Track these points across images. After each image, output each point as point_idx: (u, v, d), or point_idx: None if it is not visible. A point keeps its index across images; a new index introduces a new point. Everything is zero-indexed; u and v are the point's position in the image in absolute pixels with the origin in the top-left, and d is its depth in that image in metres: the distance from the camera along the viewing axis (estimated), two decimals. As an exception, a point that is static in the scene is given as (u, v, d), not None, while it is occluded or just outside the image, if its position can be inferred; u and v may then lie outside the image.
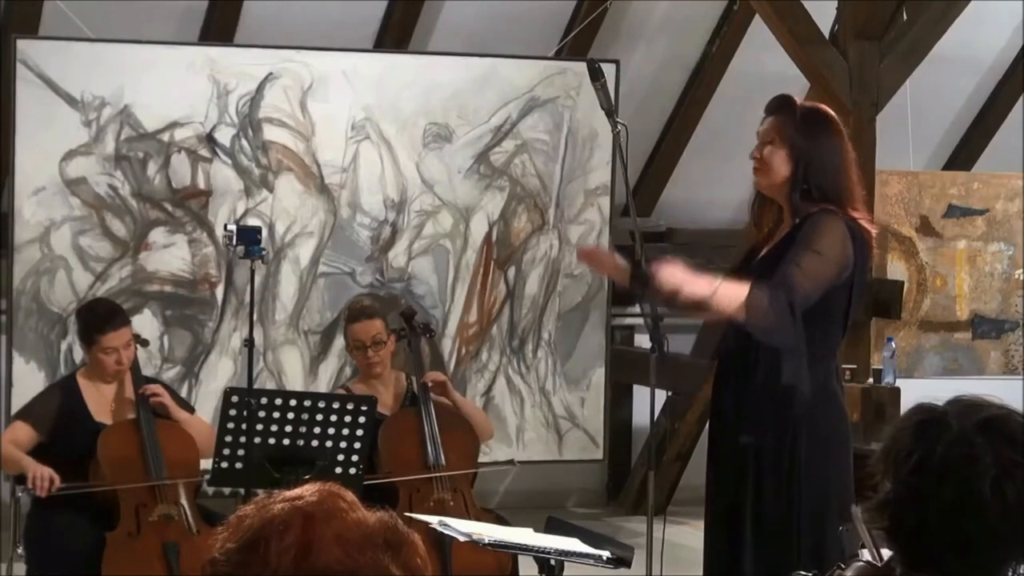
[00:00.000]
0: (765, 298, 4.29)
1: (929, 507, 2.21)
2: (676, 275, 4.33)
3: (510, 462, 7.41)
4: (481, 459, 6.48)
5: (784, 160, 4.46)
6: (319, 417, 5.59)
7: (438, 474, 5.98)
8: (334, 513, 1.76)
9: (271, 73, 7.57)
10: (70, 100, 7.30)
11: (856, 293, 4.48)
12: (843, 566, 2.43)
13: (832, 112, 4.63)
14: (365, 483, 5.71)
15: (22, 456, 5.65)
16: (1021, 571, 2.28)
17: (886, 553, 2.43)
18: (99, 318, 5.86)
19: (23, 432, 5.76)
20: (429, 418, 6.05)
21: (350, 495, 1.79)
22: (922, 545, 2.24)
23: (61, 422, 5.79)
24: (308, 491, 1.79)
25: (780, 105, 4.55)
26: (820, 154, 4.44)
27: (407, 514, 5.39)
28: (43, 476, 5.55)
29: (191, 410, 6.15)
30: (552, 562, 4.34)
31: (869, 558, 2.47)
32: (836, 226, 4.39)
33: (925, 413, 2.27)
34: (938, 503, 2.20)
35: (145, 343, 6.26)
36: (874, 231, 4.56)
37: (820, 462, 4.40)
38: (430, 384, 6.14)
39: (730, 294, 4.32)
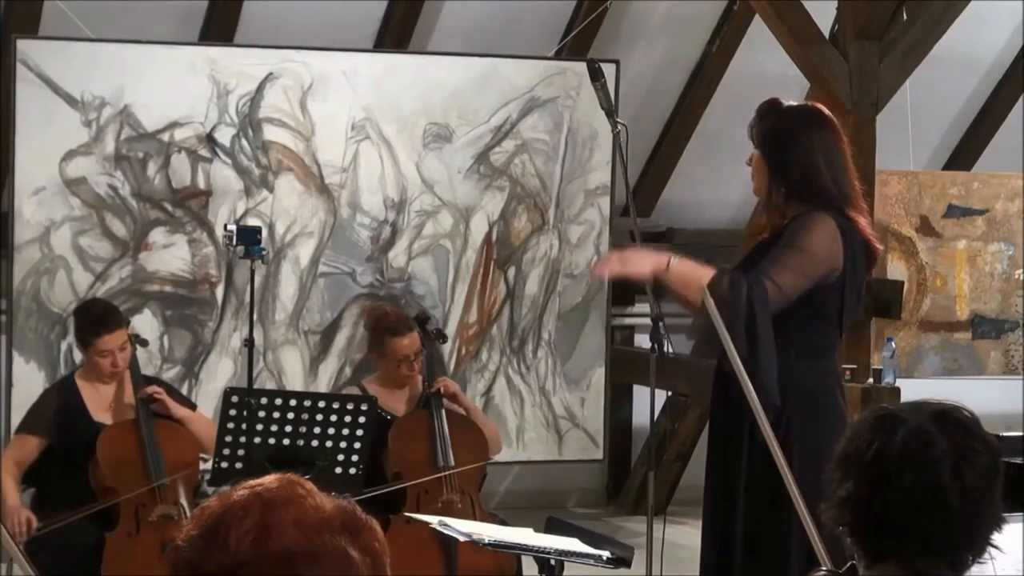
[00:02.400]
0: (725, 283, 4.28)
1: (890, 496, 2.28)
2: (616, 262, 4.43)
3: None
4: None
5: (762, 165, 4.47)
6: (319, 417, 5.58)
7: (445, 472, 5.98)
8: (292, 499, 1.81)
9: (271, 73, 7.58)
10: (70, 100, 7.30)
11: (850, 292, 4.46)
12: None
13: (819, 110, 4.56)
14: (381, 491, 5.73)
15: (9, 489, 5.64)
16: (981, 562, 2.32)
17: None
18: (94, 320, 5.85)
19: (29, 445, 5.75)
20: (440, 420, 6.06)
21: (309, 484, 1.85)
22: (884, 536, 2.30)
23: (60, 422, 5.79)
24: (268, 480, 1.85)
25: (759, 110, 4.56)
26: (791, 155, 4.42)
27: (408, 515, 5.40)
28: (20, 522, 5.54)
29: (193, 407, 6.14)
30: (552, 562, 4.34)
31: (828, 568, 2.51)
32: (822, 224, 4.37)
33: (879, 411, 2.37)
34: (898, 491, 2.28)
35: (145, 343, 6.26)
36: (868, 227, 4.50)
37: (817, 463, 4.37)
38: (442, 391, 6.14)
39: (688, 275, 4.34)
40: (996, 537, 2.32)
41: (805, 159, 4.41)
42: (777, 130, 4.46)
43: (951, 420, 2.31)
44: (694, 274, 4.33)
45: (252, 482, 1.84)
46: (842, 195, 4.43)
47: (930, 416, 2.31)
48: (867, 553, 2.33)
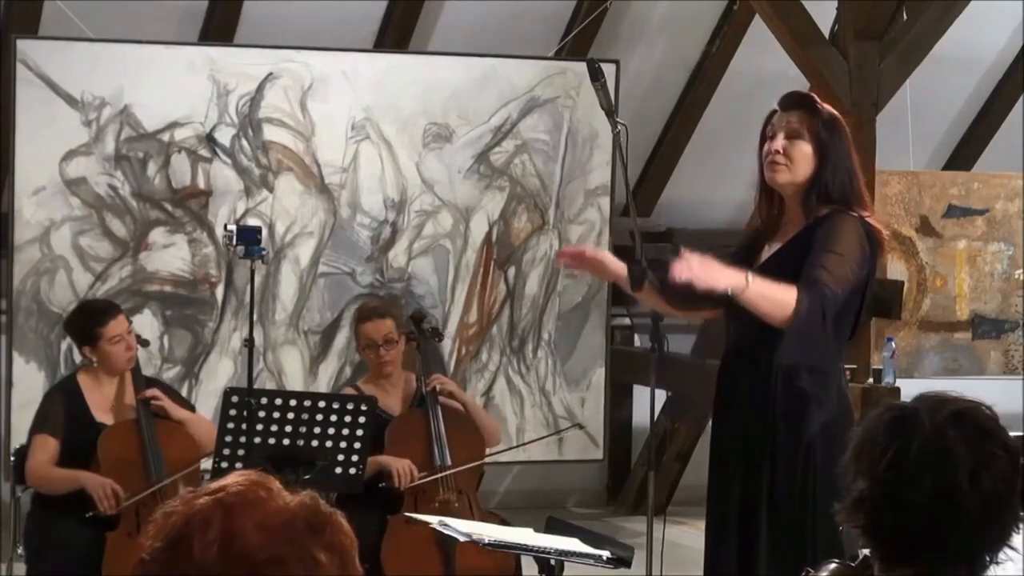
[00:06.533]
0: (805, 304, 4.27)
1: (907, 503, 2.24)
2: (696, 267, 4.28)
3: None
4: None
5: (809, 157, 4.45)
6: (319, 417, 5.58)
7: (442, 474, 5.97)
8: (255, 503, 1.81)
9: (271, 73, 7.58)
10: (70, 100, 7.30)
11: (868, 293, 4.49)
12: (811, 571, 2.42)
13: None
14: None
15: (76, 473, 5.61)
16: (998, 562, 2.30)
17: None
18: (97, 311, 5.86)
19: (50, 445, 5.72)
20: (436, 419, 6.06)
21: (274, 483, 1.85)
22: (900, 541, 2.27)
23: (63, 422, 5.78)
24: (232, 481, 1.84)
25: (804, 102, 4.53)
26: (839, 155, 4.44)
27: (407, 515, 5.40)
28: (108, 495, 5.53)
29: (192, 409, 6.13)
30: (552, 562, 4.34)
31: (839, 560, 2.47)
32: (854, 227, 4.39)
33: (896, 411, 2.31)
34: (916, 499, 2.24)
35: (146, 343, 6.25)
36: (887, 232, 4.55)
37: (834, 462, 4.37)
38: (438, 388, 6.14)
39: (773, 295, 4.28)
40: (1015, 538, 2.28)
41: (850, 161, 4.46)
42: (833, 127, 4.47)
43: (969, 424, 2.26)
44: (784, 300, 4.30)
45: (214, 485, 1.83)
46: (869, 200, 4.50)
47: (948, 418, 2.26)
48: (882, 556, 2.29)
